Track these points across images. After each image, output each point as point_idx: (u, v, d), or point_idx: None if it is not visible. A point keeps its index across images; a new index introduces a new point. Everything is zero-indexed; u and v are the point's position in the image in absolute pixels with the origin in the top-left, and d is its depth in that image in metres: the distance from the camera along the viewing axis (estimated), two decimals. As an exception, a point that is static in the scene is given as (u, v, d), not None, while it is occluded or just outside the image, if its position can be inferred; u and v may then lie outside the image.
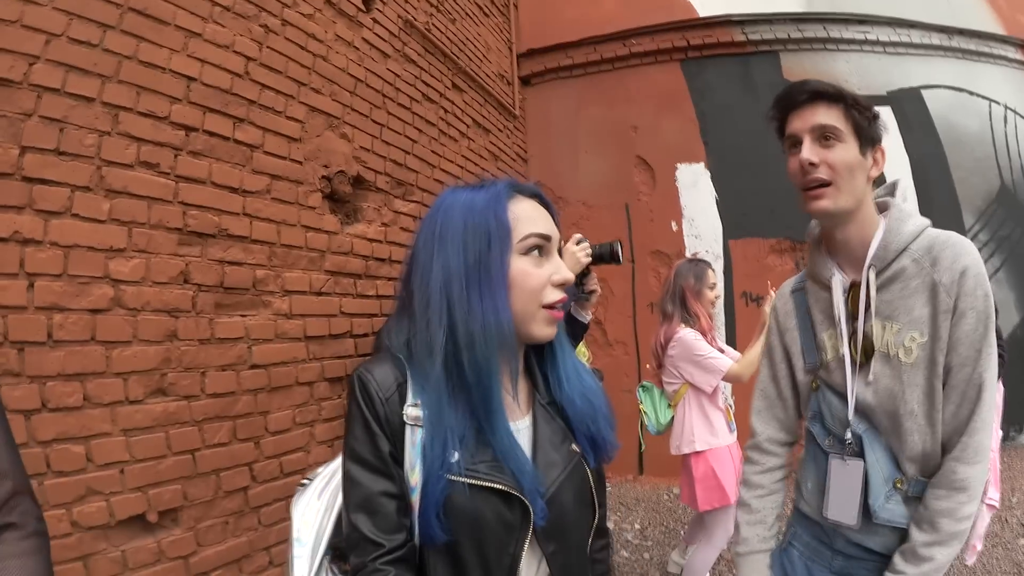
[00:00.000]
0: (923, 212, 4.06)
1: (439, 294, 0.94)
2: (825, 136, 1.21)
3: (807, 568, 1.39)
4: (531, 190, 1.04)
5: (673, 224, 5.33)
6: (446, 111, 4.14)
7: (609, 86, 5.52)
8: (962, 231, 4.62)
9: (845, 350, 1.28)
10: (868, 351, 1.24)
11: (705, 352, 2.87)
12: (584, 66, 5.59)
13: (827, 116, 1.21)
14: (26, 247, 1.76)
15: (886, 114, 4.76)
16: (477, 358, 0.91)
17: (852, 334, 1.27)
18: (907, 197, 1.41)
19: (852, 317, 1.27)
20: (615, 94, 5.49)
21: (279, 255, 2.59)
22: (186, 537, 2.09)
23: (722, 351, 3.01)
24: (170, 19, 2.16)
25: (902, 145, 4.77)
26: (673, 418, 3.10)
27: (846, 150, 1.21)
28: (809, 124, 1.21)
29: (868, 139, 1.23)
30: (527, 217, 0.98)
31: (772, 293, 2.82)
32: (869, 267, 1.23)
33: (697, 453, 2.96)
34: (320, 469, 1.13)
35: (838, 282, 1.29)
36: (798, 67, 5.09)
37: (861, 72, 5.00)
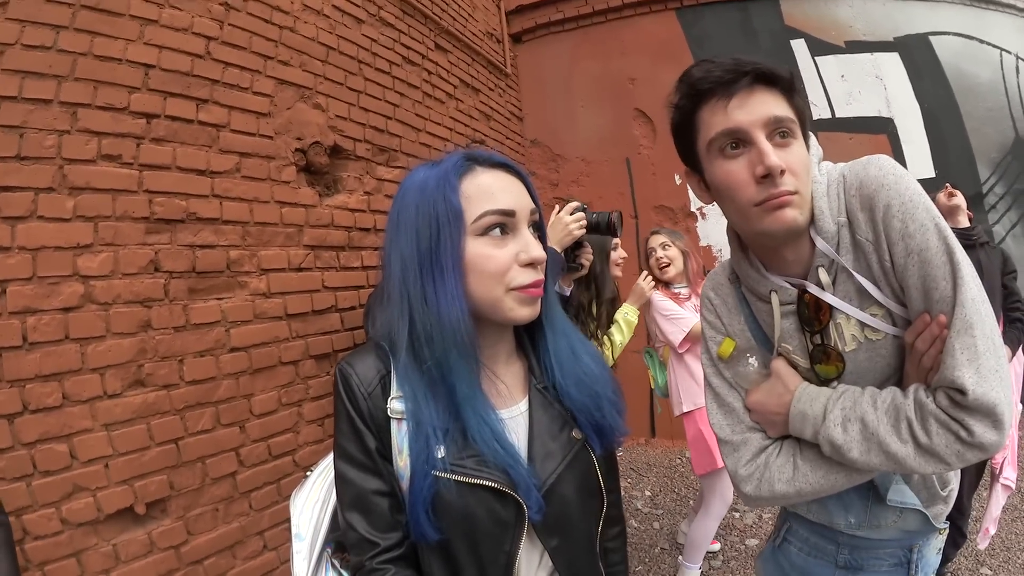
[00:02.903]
0: (937, 164, 3.96)
1: (398, 286, 0.90)
2: (781, 133, 0.94)
3: (807, 564, 1.25)
4: (493, 159, 0.94)
5: (677, 177, 5.20)
6: (430, 73, 4.02)
7: (603, 39, 5.34)
8: (977, 185, 4.47)
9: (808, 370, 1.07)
10: (838, 365, 1.03)
11: (672, 310, 2.90)
12: (576, 19, 5.40)
13: (778, 106, 0.94)
14: (-4, 255, 1.76)
15: (894, 61, 4.64)
16: (436, 353, 0.87)
17: (813, 350, 1.05)
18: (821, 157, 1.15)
19: (809, 329, 1.05)
20: (610, 47, 5.31)
21: (253, 234, 2.55)
22: (176, 527, 2.12)
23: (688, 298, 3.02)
24: (124, 10, 2.10)
25: (912, 93, 4.59)
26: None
27: (801, 148, 0.97)
28: (761, 117, 0.93)
29: (807, 129, 1.00)
30: (484, 193, 0.89)
31: (643, 275, 2.79)
32: (817, 267, 1.00)
33: (687, 414, 2.98)
34: (322, 461, 1.10)
35: (781, 299, 1.07)
36: (799, 13, 4.88)
37: (865, 18, 4.77)
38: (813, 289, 1.01)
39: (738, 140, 0.95)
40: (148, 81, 2.16)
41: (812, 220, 1.00)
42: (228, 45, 2.47)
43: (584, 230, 2.11)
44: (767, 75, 0.94)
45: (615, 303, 2.75)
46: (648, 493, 4.35)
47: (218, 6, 2.44)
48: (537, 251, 0.90)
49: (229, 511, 2.32)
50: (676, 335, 2.86)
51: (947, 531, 1.19)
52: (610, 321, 2.67)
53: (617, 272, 2.71)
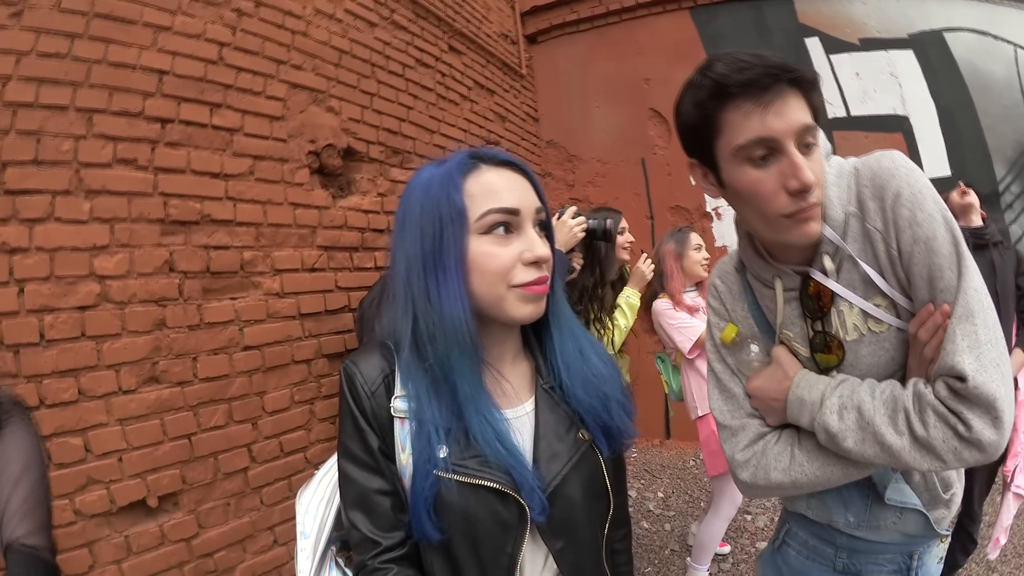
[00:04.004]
0: (952, 163, 3.89)
1: (403, 285, 0.90)
2: (807, 144, 0.92)
3: (805, 568, 1.24)
4: (498, 158, 0.92)
5: (692, 178, 5.17)
6: (444, 75, 4.05)
7: (618, 39, 5.34)
8: (993, 183, 4.38)
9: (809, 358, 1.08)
10: (839, 354, 1.03)
11: (676, 320, 2.87)
12: (591, 20, 5.41)
13: (805, 112, 0.91)
14: (14, 255, 1.84)
15: (909, 58, 4.57)
16: (438, 352, 0.86)
17: (813, 337, 1.06)
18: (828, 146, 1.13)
19: (810, 316, 1.06)
20: (625, 47, 5.31)
21: (267, 235, 2.60)
22: (187, 520, 2.18)
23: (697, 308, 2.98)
24: (137, 18, 2.16)
25: (927, 91, 4.52)
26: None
27: (819, 154, 0.95)
28: (794, 126, 0.89)
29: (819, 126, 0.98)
30: (488, 191, 0.88)
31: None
32: (822, 254, 1.00)
33: (700, 417, 2.97)
34: (329, 459, 1.08)
35: (784, 285, 1.08)
36: (813, 11, 4.81)
37: (879, 15, 4.68)
38: (817, 275, 1.01)
39: (769, 148, 0.91)
40: (162, 87, 2.22)
41: None
42: (241, 50, 2.53)
43: (584, 233, 2.16)
44: (797, 79, 0.91)
45: (620, 285, 2.77)
46: (660, 495, 4.33)
47: (230, 12, 2.49)
48: (541, 249, 0.89)
49: (240, 506, 2.37)
50: (685, 343, 2.85)
51: (949, 539, 1.17)
52: (614, 303, 2.69)
53: (624, 256, 2.75)
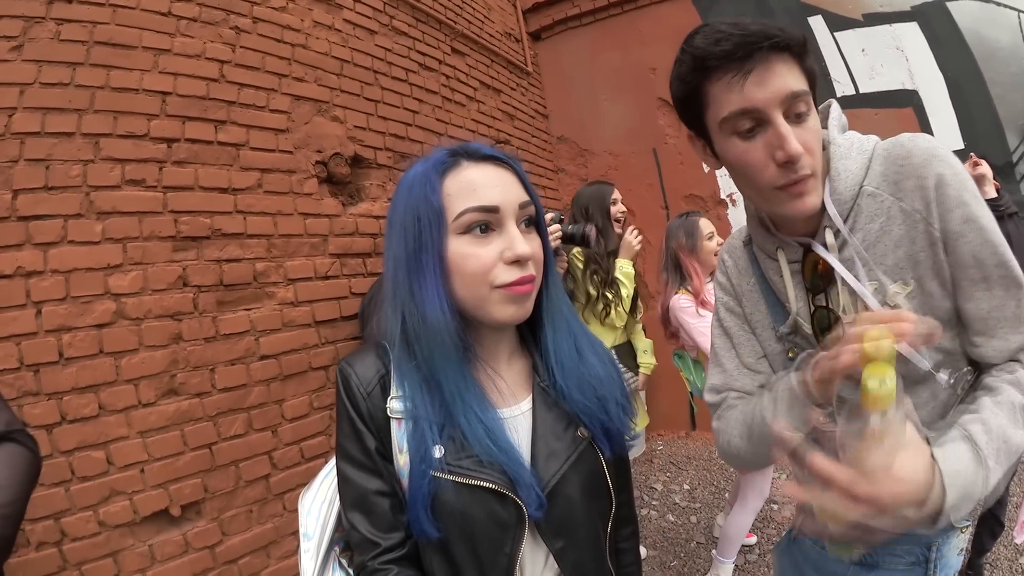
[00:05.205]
0: (965, 135, 3.77)
1: (391, 284, 0.90)
2: (797, 112, 0.89)
3: (821, 558, 1.18)
4: (481, 152, 0.90)
5: (705, 165, 5.13)
6: (448, 77, 4.07)
7: (621, 30, 5.31)
8: (1007, 154, 4.26)
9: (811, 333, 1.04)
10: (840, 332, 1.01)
11: (694, 322, 2.80)
12: (593, 13, 5.38)
13: (794, 78, 0.88)
14: (30, 279, 1.91)
15: (913, 31, 4.48)
16: (424, 352, 0.87)
17: (815, 312, 1.02)
18: (840, 121, 1.11)
19: (813, 291, 1.02)
20: (629, 38, 5.28)
21: (278, 246, 2.64)
22: (211, 527, 2.23)
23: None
24: (136, 42, 2.22)
25: (934, 63, 4.40)
26: None
27: (814, 121, 0.92)
28: (778, 94, 0.86)
29: (816, 91, 0.94)
30: (466, 189, 0.86)
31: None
32: (824, 229, 0.97)
33: None
34: (330, 462, 1.07)
35: (788, 258, 1.05)
36: (816, -12, 4.71)
37: (881, -13, 4.58)
38: (818, 248, 0.98)
39: (755, 119, 0.89)
40: (166, 107, 2.28)
41: (826, 179, 0.97)
42: (241, 67, 2.58)
43: (560, 241, 2.21)
44: (782, 43, 0.86)
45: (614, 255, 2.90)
46: (687, 487, 4.29)
47: (229, 30, 2.54)
48: (522, 247, 0.86)
49: (263, 512, 2.42)
50: (708, 345, 2.83)
51: (969, 529, 1.13)
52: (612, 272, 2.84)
53: (616, 228, 2.90)
